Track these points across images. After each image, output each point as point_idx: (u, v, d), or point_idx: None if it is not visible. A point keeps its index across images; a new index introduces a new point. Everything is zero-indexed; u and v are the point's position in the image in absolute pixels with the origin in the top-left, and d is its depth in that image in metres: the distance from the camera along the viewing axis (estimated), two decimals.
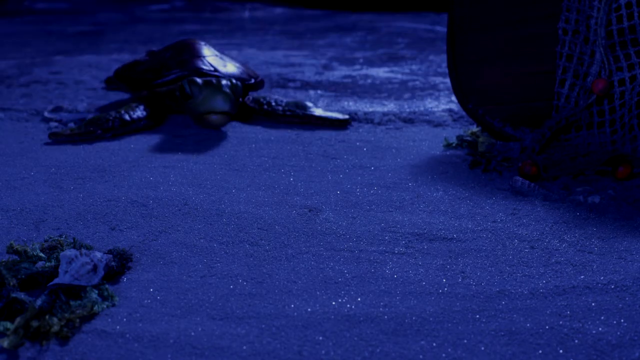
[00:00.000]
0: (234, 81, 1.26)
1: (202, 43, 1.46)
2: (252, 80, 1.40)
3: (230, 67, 1.40)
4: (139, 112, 1.28)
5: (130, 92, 1.43)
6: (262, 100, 1.37)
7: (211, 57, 1.41)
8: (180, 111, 1.37)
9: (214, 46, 1.72)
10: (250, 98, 1.38)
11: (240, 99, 1.35)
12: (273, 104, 1.36)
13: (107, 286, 0.68)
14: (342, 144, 1.23)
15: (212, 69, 1.36)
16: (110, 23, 3.12)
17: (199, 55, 1.40)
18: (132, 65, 1.46)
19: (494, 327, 0.63)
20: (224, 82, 1.23)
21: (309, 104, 1.39)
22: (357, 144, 1.23)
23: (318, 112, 1.35)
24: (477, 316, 0.65)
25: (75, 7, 3.77)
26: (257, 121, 1.36)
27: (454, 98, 1.61)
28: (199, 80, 1.23)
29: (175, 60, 1.39)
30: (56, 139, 1.21)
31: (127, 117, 1.26)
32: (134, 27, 2.96)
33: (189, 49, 1.42)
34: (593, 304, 0.67)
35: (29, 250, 0.72)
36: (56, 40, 2.56)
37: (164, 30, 2.93)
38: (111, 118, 1.24)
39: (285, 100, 1.39)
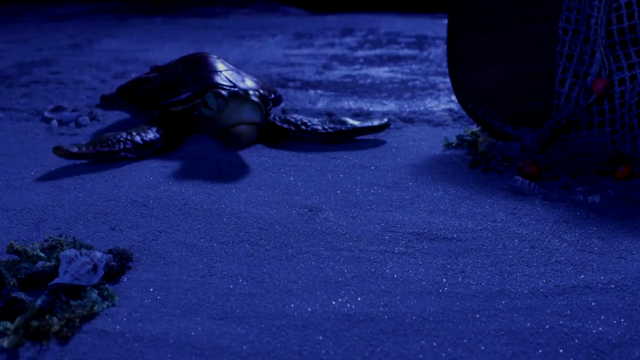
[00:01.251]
0: (261, 91, 1.16)
1: (215, 56, 1.36)
2: (272, 96, 1.32)
3: (248, 82, 1.31)
4: (152, 135, 1.16)
5: (135, 111, 1.33)
6: (296, 121, 1.25)
7: (227, 72, 1.31)
8: (197, 131, 1.25)
9: (214, 47, 1.72)
10: (277, 118, 1.26)
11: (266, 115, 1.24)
12: (309, 124, 1.24)
13: (107, 286, 0.68)
14: (342, 144, 1.23)
15: (230, 84, 1.27)
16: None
17: (215, 70, 1.30)
18: (138, 82, 1.35)
19: (494, 326, 0.63)
20: (251, 91, 1.12)
21: (342, 117, 1.28)
22: (357, 143, 1.23)
23: (356, 122, 1.26)
24: (477, 316, 0.65)
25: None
26: (288, 144, 1.24)
27: (454, 98, 1.61)
28: (223, 92, 1.11)
29: (189, 76, 1.28)
30: (60, 154, 1.07)
31: (139, 139, 1.14)
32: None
33: (202, 63, 1.31)
34: (593, 304, 0.67)
35: (29, 250, 0.72)
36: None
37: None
38: (122, 139, 1.13)
39: (311, 118, 1.27)
